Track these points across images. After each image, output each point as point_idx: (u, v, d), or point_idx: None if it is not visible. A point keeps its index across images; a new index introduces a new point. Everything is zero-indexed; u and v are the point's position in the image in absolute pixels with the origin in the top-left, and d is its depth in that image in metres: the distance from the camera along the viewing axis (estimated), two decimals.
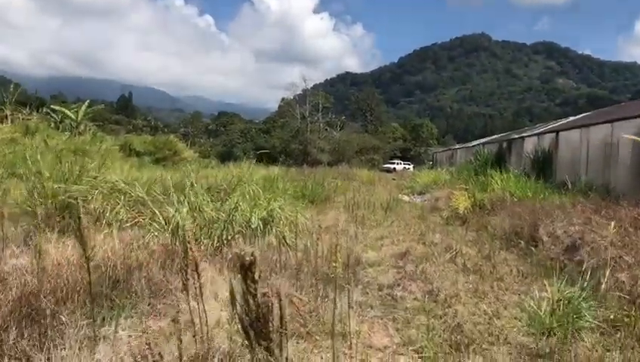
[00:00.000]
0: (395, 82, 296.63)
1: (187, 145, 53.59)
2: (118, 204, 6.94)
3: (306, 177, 20.54)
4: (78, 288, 4.14)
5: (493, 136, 40.01)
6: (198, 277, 2.78)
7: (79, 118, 33.56)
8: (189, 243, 2.71)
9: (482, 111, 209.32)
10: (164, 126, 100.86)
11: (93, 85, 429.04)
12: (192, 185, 7.67)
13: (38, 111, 36.55)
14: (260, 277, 2.17)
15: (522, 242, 8.22)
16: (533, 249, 7.75)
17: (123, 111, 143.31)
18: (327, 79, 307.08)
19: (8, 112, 32.26)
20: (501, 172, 16.93)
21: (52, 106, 36.96)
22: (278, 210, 7.22)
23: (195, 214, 6.44)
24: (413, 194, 22.52)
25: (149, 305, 4.36)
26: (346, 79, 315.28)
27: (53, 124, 33.34)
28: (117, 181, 7.92)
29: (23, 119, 32.53)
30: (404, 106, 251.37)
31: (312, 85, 74.73)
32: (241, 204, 7.01)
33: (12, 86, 34.86)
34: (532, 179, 15.54)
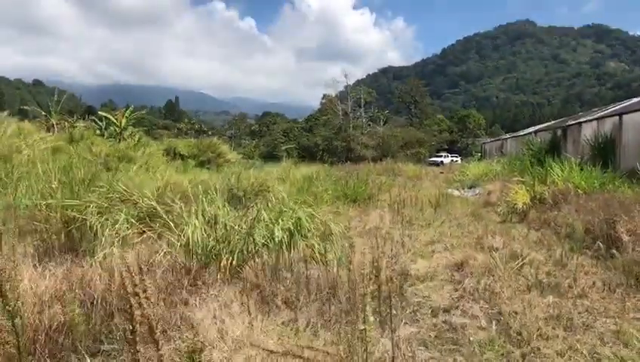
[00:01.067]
0: (439, 74, 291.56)
1: (232, 146, 53.54)
2: (122, 215, 6.05)
3: (347, 175, 19.54)
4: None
5: (546, 124, 37.78)
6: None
7: (123, 124, 33.58)
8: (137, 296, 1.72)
9: (530, 99, 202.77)
10: (210, 129, 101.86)
11: (142, 92, 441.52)
12: (206, 191, 6.72)
13: (84, 119, 36.91)
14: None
15: (599, 243, 6.88)
16: (614, 251, 6.44)
17: (170, 115, 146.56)
18: (368, 74, 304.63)
19: (54, 121, 32.59)
20: (558, 161, 15.37)
21: (99, 113, 37.26)
22: (305, 219, 6.16)
23: (212, 226, 5.50)
24: (464, 189, 21.15)
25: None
26: (388, 73, 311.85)
27: (98, 131, 33.51)
28: (126, 189, 7.06)
29: (68, 127, 32.81)
30: (448, 98, 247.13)
31: (353, 81, 73.77)
32: (264, 212, 6.01)
33: (56, 94, 35.29)
34: (593, 167, 13.91)
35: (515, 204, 11.09)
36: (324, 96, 75.36)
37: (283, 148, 62.31)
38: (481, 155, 55.48)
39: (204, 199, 6.09)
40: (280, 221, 5.76)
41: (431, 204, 13.11)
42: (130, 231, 5.69)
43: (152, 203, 6.26)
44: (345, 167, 33.81)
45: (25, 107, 39.36)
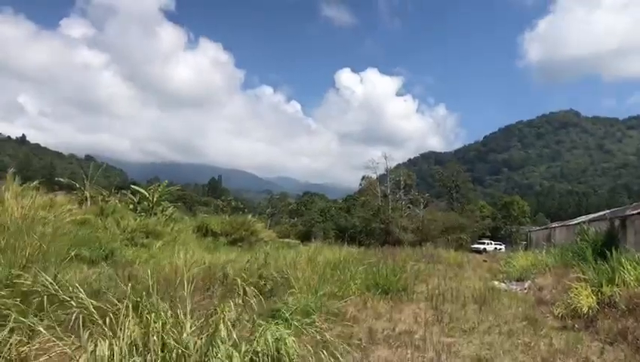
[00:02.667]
0: (481, 160, 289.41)
1: (268, 225, 52.57)
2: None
3: (381, 260, 17.94)
4: None
5: (599, 213, 35.37)
6: None
7: (155, 199, 33.18)
8: None
9: (575, 188, 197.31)
10: (251, 207, 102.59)
11: (188, 170, 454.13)
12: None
13: (117, 193, 36.79)
14: None
15: None
16: None
17: (213, 193, 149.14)
18: (409, 159, 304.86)
19: (88, 194, 32.50)
20: (617, 254, 13.33)
21: (131, 186, 37.19)
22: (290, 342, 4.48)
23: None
24: (510, 281, 19.21)
25: None
26: (430, 158, 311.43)
27: (132, 206, 33.16)
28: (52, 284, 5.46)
29: (101, 200, 32.64)
30: (490, 184, 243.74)
31: (394, 165, 72.55)
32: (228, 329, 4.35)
33: (95, 168, 35.62)
34: None
35: (578, 306, 9.26)
36: (364, 177, 74.53)
37: (319, 228, 60.99)
38: (527, 244, 52.77)
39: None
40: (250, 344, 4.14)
41: (475, 299, 11.36)
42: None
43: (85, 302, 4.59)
44: (382, 251, 32.09)
45: (59, 178, 39.71)
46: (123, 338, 3.80)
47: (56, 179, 42.75)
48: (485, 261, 30.53)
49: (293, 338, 4.67)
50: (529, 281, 17.82)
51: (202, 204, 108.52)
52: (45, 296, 4.69)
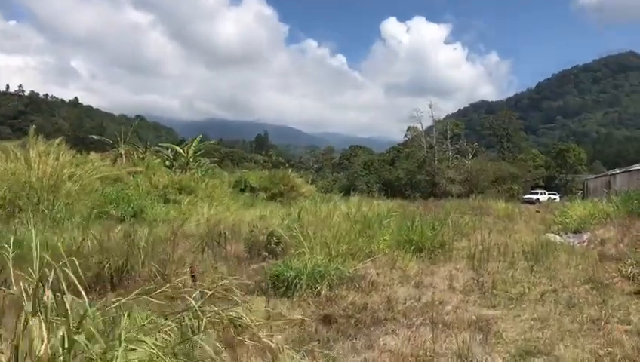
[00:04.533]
0: (534, 108, 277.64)
1: (310, 180, 51.44)
2: None
3: (424, 212, 16.41)
4: None
5: None
6: None
7: (189, 155, 32.40)
8: None
9: (634, 134, 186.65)
10: (297, 162, 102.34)
11: (236, 127, 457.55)
12: None
13: (154, 150, 36.14)
14: None
15: None
16: None
17: (260, 149, 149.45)
18: (459, 109, 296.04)
19: (122, 151, 32.03)
20: None
21: (161, 144, 36.53)
22: None
23: None
24: (566, 233, 17.26)
25: None
26: (480, 108, 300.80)
27: (168, 162, 32.57)
28: None
29: (137, 158, 32.13)
30: (544, 133, 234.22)
31: (443, 116, 69.10)
32: None
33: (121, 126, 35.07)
34: None
35: None
36: (409, 128, 71.69)
37: (362, 181, 59.39)
38: (584, 193, 49.71)
39: None
40: None
41: (525, 255, 9.71)
42: None
43: None
44: (424, 203, 30.38)
45: (93, 136, 39.46)
46: None
47: (90, 136, 42.64)
48: (538, 211, 28.37)
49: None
50: (588, 233, 15.95)
51: (249, 161, 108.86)
52: None
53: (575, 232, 17.25)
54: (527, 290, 6.83)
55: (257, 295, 6.19)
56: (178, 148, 32.78)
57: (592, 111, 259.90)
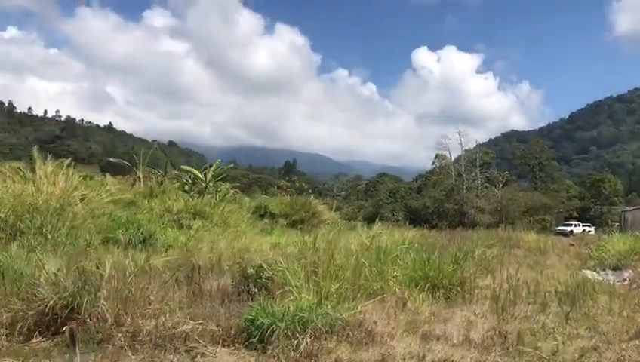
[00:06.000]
0: (567, 139, 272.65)
1: (338, 206, 50.33)
2: None
3: (442, 243, 15.13)
4: None
5: None
6: None
7: (208, 180, 31.80)
8: None
9: None
10: (323, 189, 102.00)
11: (266, 154, 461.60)
12: None
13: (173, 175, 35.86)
14: None
15: None
16: None
17: (286, 175, 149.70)
18: (490, 138, 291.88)
19: (140, 175, 31.71)
20: None
21: (182, 167, 36.12)
22: None
23: None
24: (604, 270, 15.80)
25: None
26: (512, 137, 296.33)
27: (186, 186, 32.09)
28: None
29: (155, 181, 31.76)
30: (578, 164, 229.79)
31: (473, 144, 67.42)
32: None
33: (142, 150, 34.97)
34: None
35: None
36: (437, 155, 70.25)
37: (388, 209, 58.08)
38: (621, 226, 47.37)
39: None
40: None
41: (559, 296, 8.41)
42: None
43: None
44: (452, 233, 28.95)
45: (111, 159, 39.38)
46: None
47: (110, 159, 42.64)
48: (572, 244, 26.68)
49: None
50: (630, 270, 14.51)
51: (274, 186, 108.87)
52: None
53: (614, 269, 15.80)
54: (561, 345, 5.55)
55: (224, 345, 5.07)
56: (197, 173, 32.23)
57: (627, 142, 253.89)
